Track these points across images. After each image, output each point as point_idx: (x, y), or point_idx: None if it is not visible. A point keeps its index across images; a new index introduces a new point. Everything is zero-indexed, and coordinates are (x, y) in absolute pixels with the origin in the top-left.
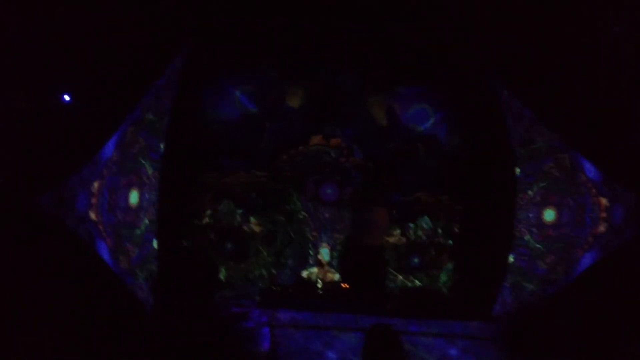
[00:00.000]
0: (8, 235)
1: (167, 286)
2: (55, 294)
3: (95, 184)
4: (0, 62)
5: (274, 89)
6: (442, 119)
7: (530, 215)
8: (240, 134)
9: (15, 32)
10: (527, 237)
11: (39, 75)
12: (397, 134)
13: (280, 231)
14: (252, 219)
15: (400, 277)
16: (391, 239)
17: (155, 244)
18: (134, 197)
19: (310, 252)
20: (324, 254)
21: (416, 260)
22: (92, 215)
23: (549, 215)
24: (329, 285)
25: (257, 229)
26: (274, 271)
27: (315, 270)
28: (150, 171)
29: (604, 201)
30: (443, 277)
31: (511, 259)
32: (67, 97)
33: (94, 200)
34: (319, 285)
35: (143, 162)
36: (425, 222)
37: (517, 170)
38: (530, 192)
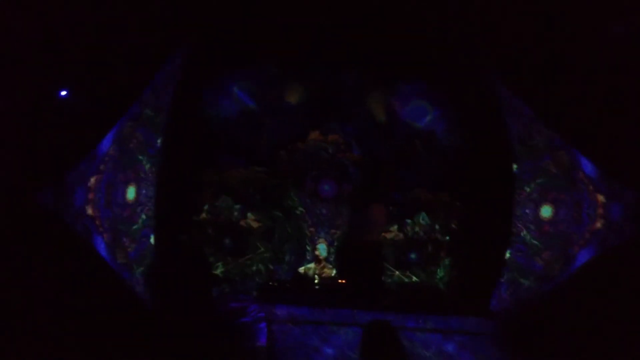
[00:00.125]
0: (5, 231)
1: (164, 281)
2: (52, 289)
3: (92, 180)
4: None
5: (273, 85)
6: (440, 116)
7: (528, 211)
8: (239, 130)
9: (13, 28)
10: (524, 233)
11: (36, 71)
12: (395, 131)
13: (278, 227)
14: (250, 215)
15: (398, 273)
16: (389, 235)
17: (152, 239)
18: (131, 193)
19: (308, 247)
20: (322, 249)
21: (413, 256)
22: (89, 211)
23: (546, 211)
24: (326, 280)
25: (254, 224)
26: (271, 267)
27: (312, 265)
28: (147, 166)
29: (601, 198)
30: (440, 273)
31: (508, 255)
32: (64, 92)
33: (91, 196)
34: (316, 281)
35: (140, 157)
36: (423, 219)
37: (515, 166)
38: (527, 189)
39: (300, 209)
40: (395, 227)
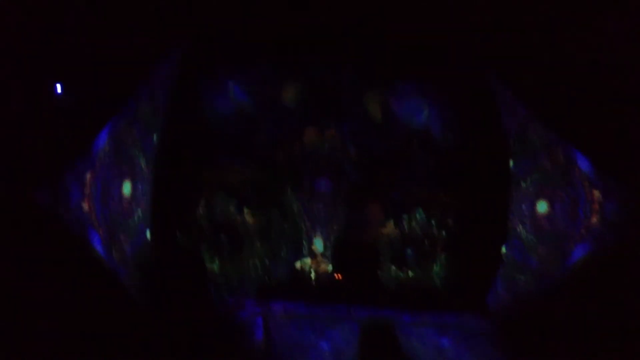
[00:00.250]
0: (1, 228)
1: (161, 277)
2: (48, 286)
3: (88, 175)
4: None
5: (269, 83)
6: (436, 113)
7: (524, 207)
8: (235, 127)
9: (7, 24)
10: (519, 229)
11: (31, 68)
12: (391, 128)
13: (275, 223)
14: (246, 211)
15: (394, 269)
16: (385, 231)
17: (148, 234)
18: (126, 188)
19: (304, 244)
20: (318, 245)
21: (409, 252)
22: (85, 206)
23: (542, 207)
24: (323, 276)
25: (251, 220)
26: (267, 263)
27: (308, 261)
28: (143, 162)
29: (597, 194)
30: (436, 269)
31: (504, 250)
32: (58, 89)
33: (86, 191)
34: (313, 276)
35: (136, 153)
36: (419, 215)
37: (511, 163)
38: (523, 185)
39: (297, 206)
40: (392, 223)
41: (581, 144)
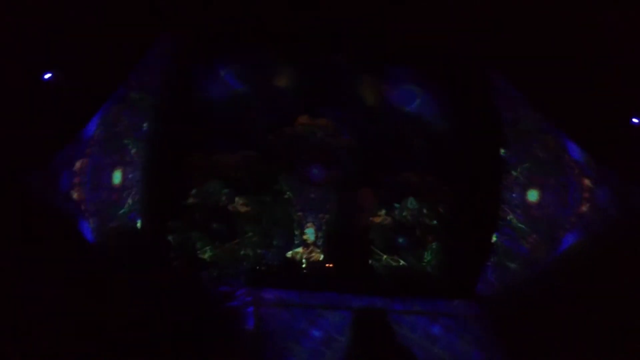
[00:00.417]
0: None
1: (152, 265)
2: (39, 275)
3: (78, 163)
4: None
5: (262, 69)
6: (429, 100)
7: (515, 195)
8: (227, 113)
9: None
10: (510, 217)
11: (21, 54)
12: (385, 116)
13: (267, 211)
14: (238, 199)
15: (385, 257)
16: (377, 219)
17: (139, 224)
18: (117, 177)
19: (296, 232)
20: (310, 233)
21: (401, 240)
22: (75, 195)
23: (533, 195)
24: (314, 264)
25: (243, 209)
26: (259, 251)
27: (300, 250)
28: (133, 150)
29: (587, 182)
30: (428, 257)
31: (495, 238)
32: (48, 75)
33: (77, 180)
34: (304, 265)
35: (126, 141)
36: (411, 203)
37: (502, 151)
38: (514, 173)
39: (289, 193)
40: (384, 211)
41: (572, 132)
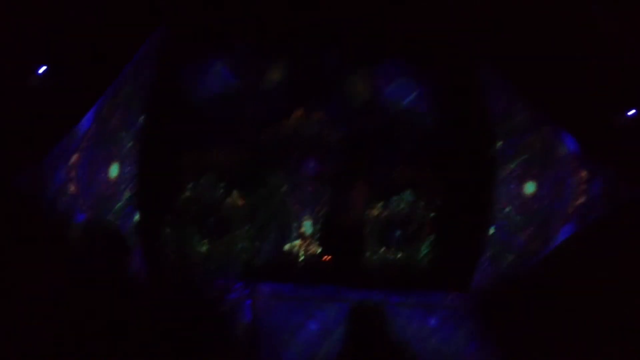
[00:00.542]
0: None
1: (148, 261)
2: (34, 271)
3: (74, 158)
4: None
5: (256, 63)
6: (424, 94)
7: (511, 188)
8: (223, 107)
9: None
10: (507, 209)
11: (15, 49)
12: (379, 109)
13: (263, 205)
14: (234, 193)
15: (382, 250)
16: (373, 212)
17: (136, 217)
18: (114, 170)
19: (293, 225)
20: (307, 226)
21: (398, 233)
22: (71, 189)
23: (529, 188)
24: (311, 257)
25: (239, 202)
26: (256, 244)
27: (297, 243)
28: (129, 144)
29: (584, 174)
30: (424, 250)
31: (491, 231)
32: (42, 70)
33: (72, 174)
34: (301, 258)
35: (122, 134)
36: (407, 196)
37: (499, 143)
38: (510, 165)
39: (285, 187)
40: (380, 204)
41: (568, 124)
